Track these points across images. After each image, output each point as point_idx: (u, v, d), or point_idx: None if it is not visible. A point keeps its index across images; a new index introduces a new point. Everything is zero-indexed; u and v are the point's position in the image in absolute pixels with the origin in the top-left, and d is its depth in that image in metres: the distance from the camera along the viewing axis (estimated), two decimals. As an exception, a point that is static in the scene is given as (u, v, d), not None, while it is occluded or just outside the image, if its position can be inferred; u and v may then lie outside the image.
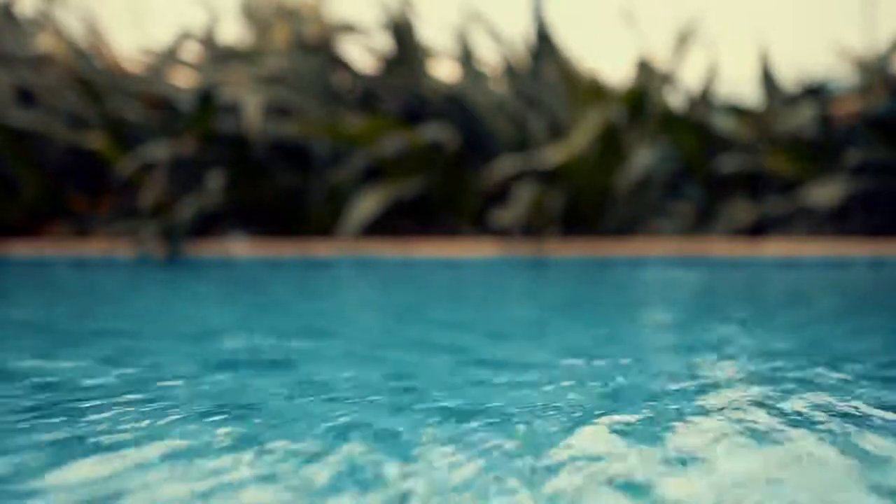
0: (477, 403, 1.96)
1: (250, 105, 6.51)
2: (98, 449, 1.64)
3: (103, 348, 2.82)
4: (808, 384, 2.22)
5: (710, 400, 2.03)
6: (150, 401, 1.99)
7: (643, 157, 6.65)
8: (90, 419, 1.82)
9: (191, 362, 2.57)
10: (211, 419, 1.81)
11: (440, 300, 4.61)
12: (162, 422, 1.79)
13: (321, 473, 1.50)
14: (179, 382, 2.23)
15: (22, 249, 6.47)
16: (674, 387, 2.19)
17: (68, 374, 2.33)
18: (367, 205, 6.41)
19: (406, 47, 7.11)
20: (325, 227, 6.67)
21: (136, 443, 1.65)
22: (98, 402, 1.97)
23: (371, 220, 6.51)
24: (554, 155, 6.64)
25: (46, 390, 2.14)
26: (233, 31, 7.50)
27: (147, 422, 1.79)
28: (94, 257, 6.33)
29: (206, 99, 6.65)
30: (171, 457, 1.58)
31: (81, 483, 1.44)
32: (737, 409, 1.93)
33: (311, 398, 2.04)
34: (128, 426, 1.76)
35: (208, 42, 7.24)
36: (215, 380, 2.29)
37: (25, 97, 6.93)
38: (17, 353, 2.74)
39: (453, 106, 6.86)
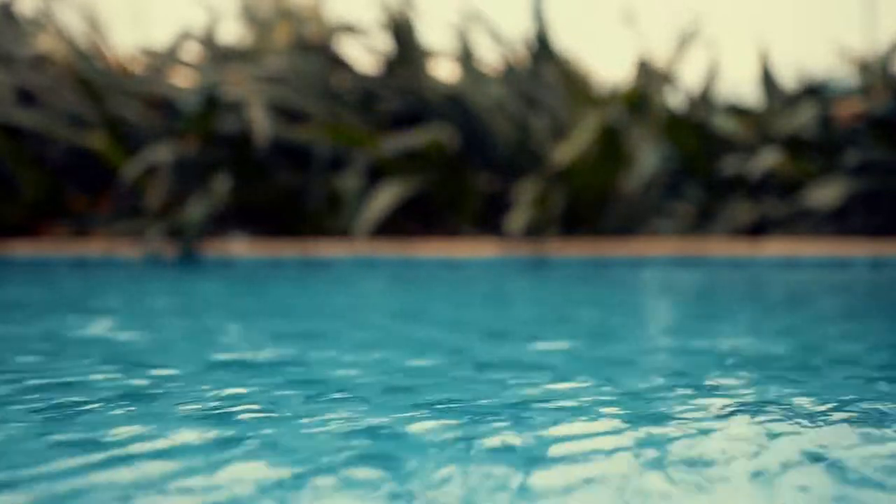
0: (478, 400, 1.97)
1: (257, 111, 6.50)
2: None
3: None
4: (806, 384, 2.22)
5: (708, 399, 2.04)
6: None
7: (646, 159, 6.65)
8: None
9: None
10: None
11: (443, 300, 4.61)
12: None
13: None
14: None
15: (22, 249, 6.47)
16: (667, 387, 2.19)
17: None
18: (377, 204, 6.40)
19: (406, 47, 7.11)
20: (326, 227, 6.67)
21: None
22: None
23: (382, 220, 6.51)
24: (557, 157, 6.64)
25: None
26: (233, 31, 7.51)
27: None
28: (95, 257, 6.33)
29: (209, 100, 6.64)
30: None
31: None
32: (733, 408, 1.93)
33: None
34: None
35: (208, 42, 7.24)
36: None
37: (25, 97, 6.93)
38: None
39: (453, 106, 6.86)
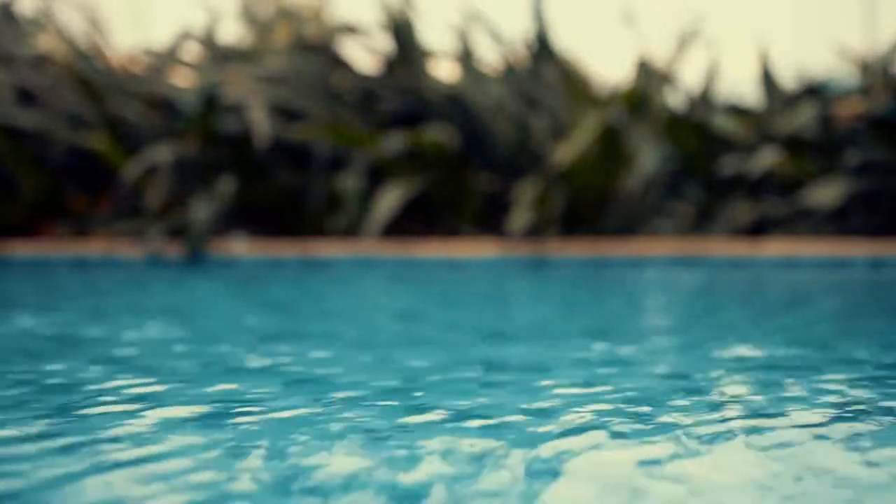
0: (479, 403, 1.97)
1: (257, 111, 6.50)
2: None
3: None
4: (806, 384, 2.22)
5: (709, 400, 2.04)
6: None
7: (646, 159, 6.65)
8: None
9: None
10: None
11: (444, 300, 4.61)
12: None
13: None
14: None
15: (22, 249, 6.47)
16: (670, 389, 2.19)
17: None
18: (385, 204, 6.40)
19: (406, 47, 7.11)
20: (326, 227, 6.67)
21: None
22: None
23: (389, 220, 6.51)
24: (557, 157, 6.64)
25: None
26: (233, 32, 7.51)
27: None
28: (95, 257, 6.33)
29: (209, 100, 6.64)
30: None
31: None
32: (733, 411, 1.93)
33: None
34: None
35: (208, 42, 7.24)
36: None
37: (25, 97, 6.93)
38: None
39: (453, 106, 6.86)
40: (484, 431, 1.75)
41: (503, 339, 3.08)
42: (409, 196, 6.56)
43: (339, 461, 1.57)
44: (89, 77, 6.87)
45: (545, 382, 2.24)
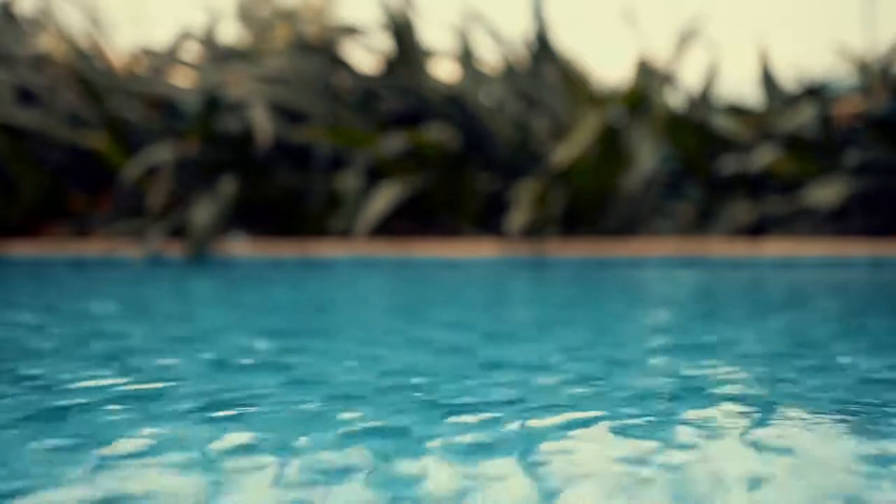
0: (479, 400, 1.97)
1: (259, 112, 6.51)
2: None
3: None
4: (805, 384, 2.22)
5: (708, 400, 2.04)
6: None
7: (646, 159, 6.65)
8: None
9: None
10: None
11: (443, 299, 4.61)
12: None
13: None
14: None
15: (22, 249, 6.47)
16: (666, 388, 2.19)
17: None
18: (377, 204, 6.41)
19: (406, 47, 7.11)
20: (326, 227, 6.68)
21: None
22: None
23: (382, 219, 6.52)
24: (557, 157, 6.64)
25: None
26: (233, 32, 7.51)
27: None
28: (94, 257, 6.33)
29: (210, 101, 6.65)
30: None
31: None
32: (732, 411, 1.93)
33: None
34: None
35: (208, 42, 7.25)
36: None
37: (25, 97, 6.93)
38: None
39: (453, 106, 6.87)
40: (483, 431, 1.75)
41: (503, 338, 3.08)
42: (404, 195, 6.56)
43: (338, 460, 1.57)
44: (89, 77, 6.88)
45: (545, 382, 2.24)
